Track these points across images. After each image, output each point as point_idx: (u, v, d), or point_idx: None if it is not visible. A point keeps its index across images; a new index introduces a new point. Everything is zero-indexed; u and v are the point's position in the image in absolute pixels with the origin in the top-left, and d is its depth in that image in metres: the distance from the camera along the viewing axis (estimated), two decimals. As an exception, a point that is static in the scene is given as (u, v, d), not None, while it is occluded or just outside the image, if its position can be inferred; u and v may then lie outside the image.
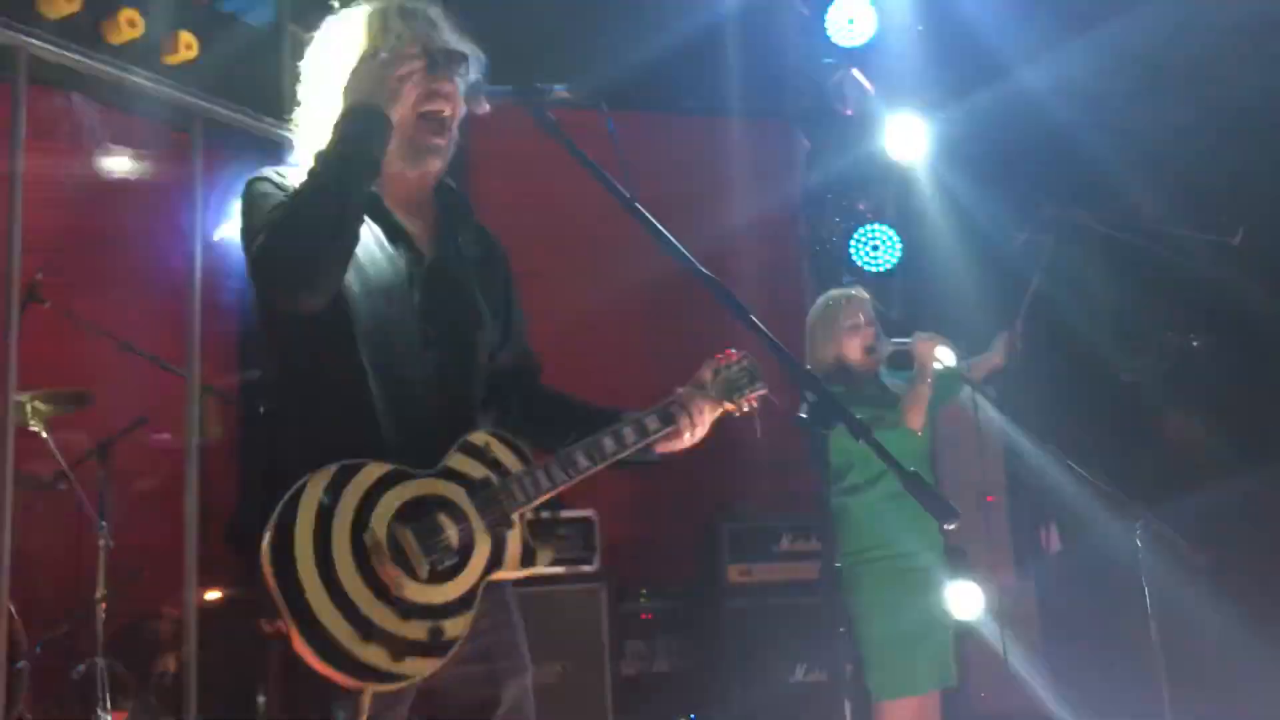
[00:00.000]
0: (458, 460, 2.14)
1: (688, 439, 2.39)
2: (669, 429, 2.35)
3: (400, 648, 1.95)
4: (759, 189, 7.31)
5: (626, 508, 6.29)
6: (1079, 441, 7.23)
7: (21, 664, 4.50)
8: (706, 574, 5.94)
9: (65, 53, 4.80)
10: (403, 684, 1.99)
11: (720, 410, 2.45)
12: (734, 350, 2.51)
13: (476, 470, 2.15)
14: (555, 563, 5.63)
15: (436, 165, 2.31)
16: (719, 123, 7.48)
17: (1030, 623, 6.80)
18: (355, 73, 2.19)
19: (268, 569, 1.90)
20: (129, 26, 5.04)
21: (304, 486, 1.97)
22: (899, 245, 6.46)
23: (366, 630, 1.92)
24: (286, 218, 2.06)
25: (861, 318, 4.32)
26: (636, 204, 2.23)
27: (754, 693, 5.58)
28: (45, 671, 4.84)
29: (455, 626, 2.04)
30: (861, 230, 6.42)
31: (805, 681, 5.56)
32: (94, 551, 4.96)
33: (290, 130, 2.37)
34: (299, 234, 2.03)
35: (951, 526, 2.03)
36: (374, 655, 1.92)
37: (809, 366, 4.26)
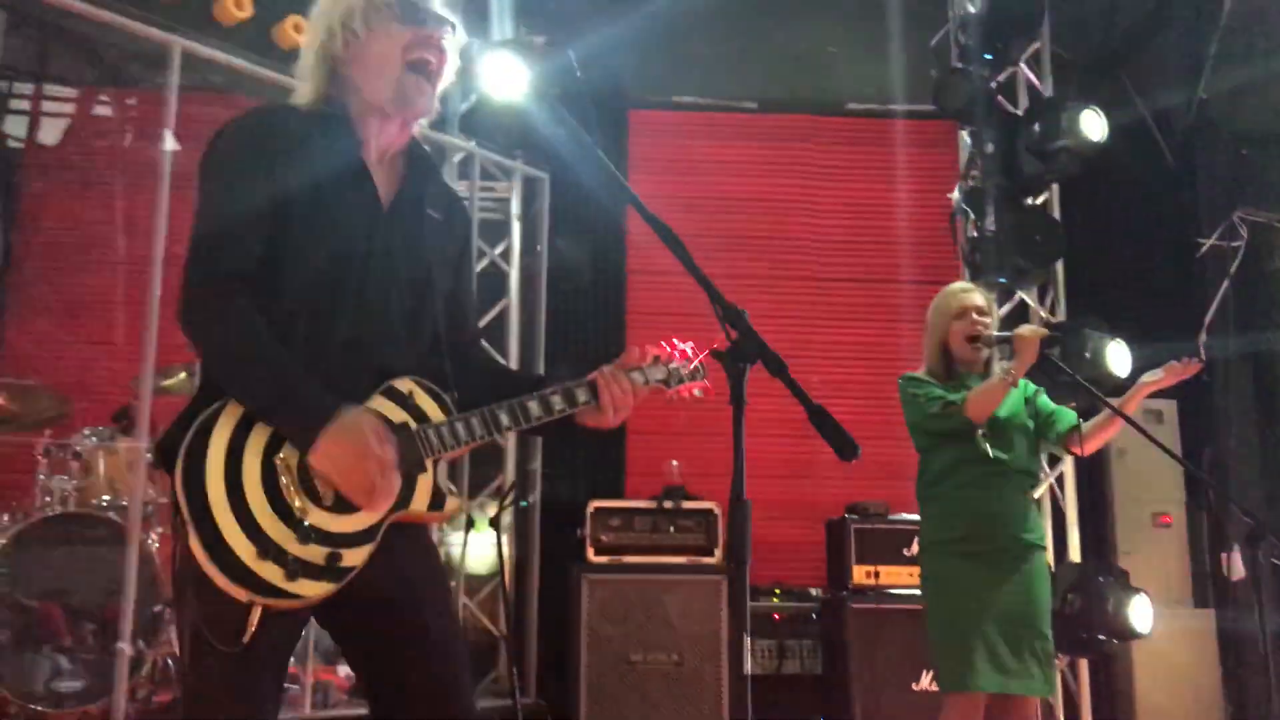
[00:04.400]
0: (379, 402, 2.17)
1: (611, 416, 2.36)
2: (594, 403, 2.34)
3: (295, 568, 1.99)
4: (922, 188, 7.18)
5: (757, 505, 6.26)
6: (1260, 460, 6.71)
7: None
8: (835, 575, 5.84)
9: (230, 57, 5.26)
10: (294, 602, 2.02)
11: (646, 392, 2.43)
12: (686, 350, 2.49)
13: (396, 414, 2.17)
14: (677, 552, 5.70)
15: (419, 111, 2.34)
16: (884, 124, 7.40)
17: (1207, 651, 6.32)
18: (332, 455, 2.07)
19: (178, 480, 1.98)
20: (294, 32, 5.50)
21: (224, 407, 2.05)
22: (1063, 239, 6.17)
23: (264, 547, 1.98)
24: (222, 338, 2.08)
25: (971, 308, 4.15)
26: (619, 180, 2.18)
27: (877, 698, 5.43)
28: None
29: (354, 556, 2.07)
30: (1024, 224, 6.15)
31: (930, 691, 5.35)
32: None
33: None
34: (219, 351, 2.09)
35: (850, 460, 1.97)
36: (269, 571, 1.97)
37: (925, 358, 4.17)
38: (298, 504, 2.03)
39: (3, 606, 4.64)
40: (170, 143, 4.79)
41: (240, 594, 1.96)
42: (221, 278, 2.08)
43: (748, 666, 2.08)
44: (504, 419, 2.26)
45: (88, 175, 7.06)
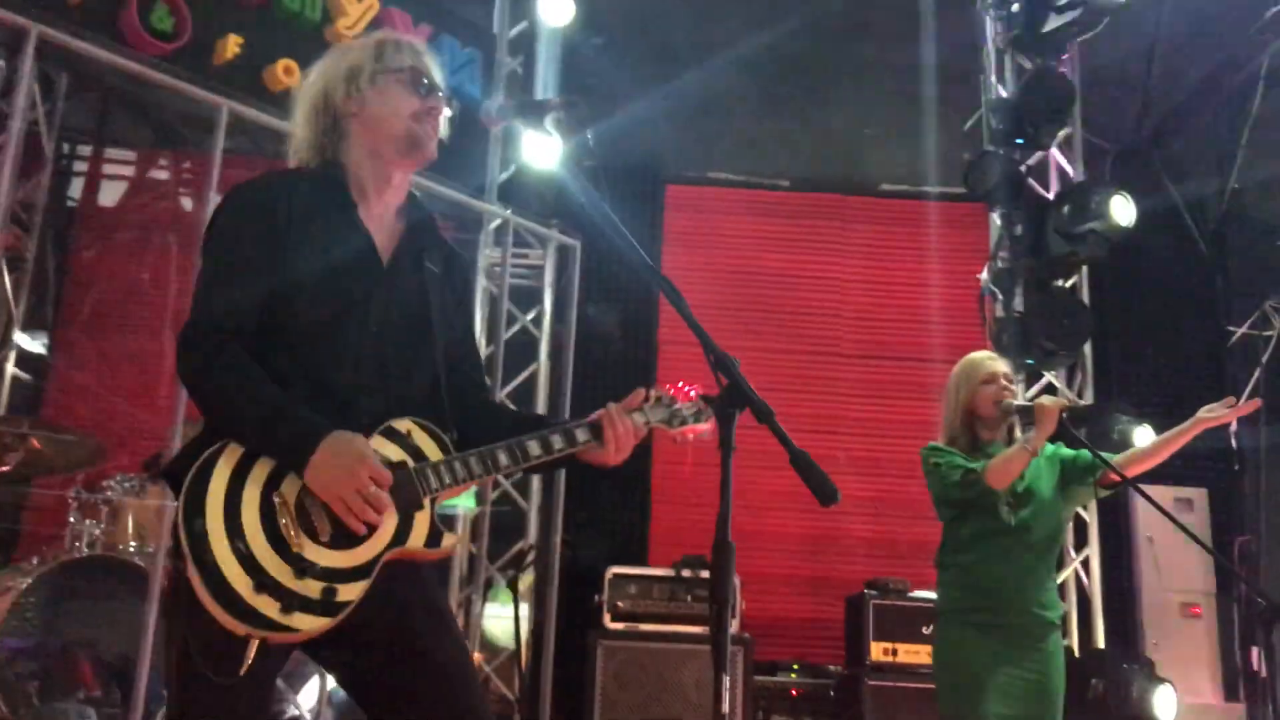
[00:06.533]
0: (377, 441, 2.20)
1: (613, 454, 2.39)
2: (595, 443, 2.37)
3: (291, 602, 2.03)
4: (951, 268, 7.24)
5: (777, 581, 6.26)
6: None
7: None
8: (853, 652, 5.79)
9: (276, 121, 5.44)
10: (290, 636, 2.06)
11: (646, 432, 2.46)
12: (691, 391, 2.53)
13: (395, 453, 2.22)
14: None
15: (428, 155, 2.40)
16: (915, 205, 7.49)
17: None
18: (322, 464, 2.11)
19: (180, 514, 2.03)
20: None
21: (226, 445, 2.10)
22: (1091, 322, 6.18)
23: (260, 581, 2.02)
24: (216, 380, 2.14)
25: (1000, 373, 4.15)
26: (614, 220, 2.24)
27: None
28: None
29: (350, 591, 2.10)
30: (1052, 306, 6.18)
31: (946, 772, 5.25)
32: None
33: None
34: (213, 394, 2.15)
35: (829, 505, 2.01)
36: (264, 604, 2.01)
37: (945, 427, 4.16)
38: (294, 538, 2.08)
39: (34, 654, 4.70)
40: (208, 204, 4.97)
41: (238, 628, 2.00)
42: (214, 330, 2.16)
43: (725, 705, 2.09)
44: (503, 458, 2.30)
45: (141, 236, 7.28)
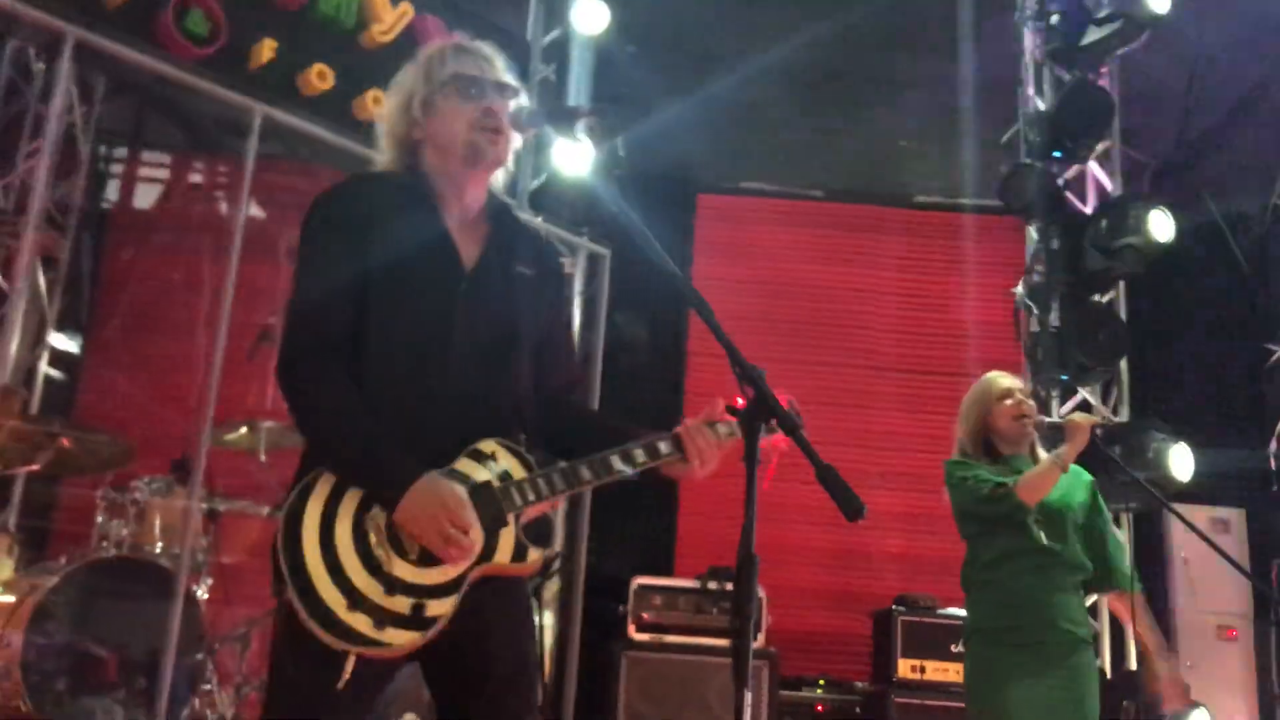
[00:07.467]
0: (463, 464, 2.26)
1: (698, 467, 2.38)
2: (678, 456, 2.36)
3: (383, 618, 2.12)
4: (987, 282, 7.16)
5: (804, 595, 6.20)
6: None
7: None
8: (880, 668, 5.73)
9: (309, 125, 5.47)
10: (384, 651, 2.13)
11: (730, 445, 2.43)
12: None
13: (480, 473, 2.26)
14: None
15: (491, 162, 2.40)
16: (951, 217, 7.43)
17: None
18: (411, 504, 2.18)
19: (279, 538, 2.14)
20: (374, 104, 5.71)
21: (322, 472, 2.20)
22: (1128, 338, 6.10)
23: (354, 599, 2.12)
24: (319, 405, 2.23)
25: (1015, 389, 4.11)
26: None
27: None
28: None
29: (438, 606, 2.17)
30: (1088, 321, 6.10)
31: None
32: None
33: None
34: (315, 420, 2.24)
35: (854, 520, 1.97)
36: (359, 621, 2.11)
37: (960, 447, 4.11)
38: (381, 555, 2.16)
39: (62, 652, 4.72)
40: (249, 207, 5.00)
41: (335, 643, 2.10)
42: (318, 347, 2.24)
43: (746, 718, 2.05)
44: (585, 474, 2.32)
45: (175, 239, 7.32)
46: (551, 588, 6.27)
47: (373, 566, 2.15)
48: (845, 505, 2.04)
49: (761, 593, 5.70)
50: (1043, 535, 3.85)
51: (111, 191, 7.61)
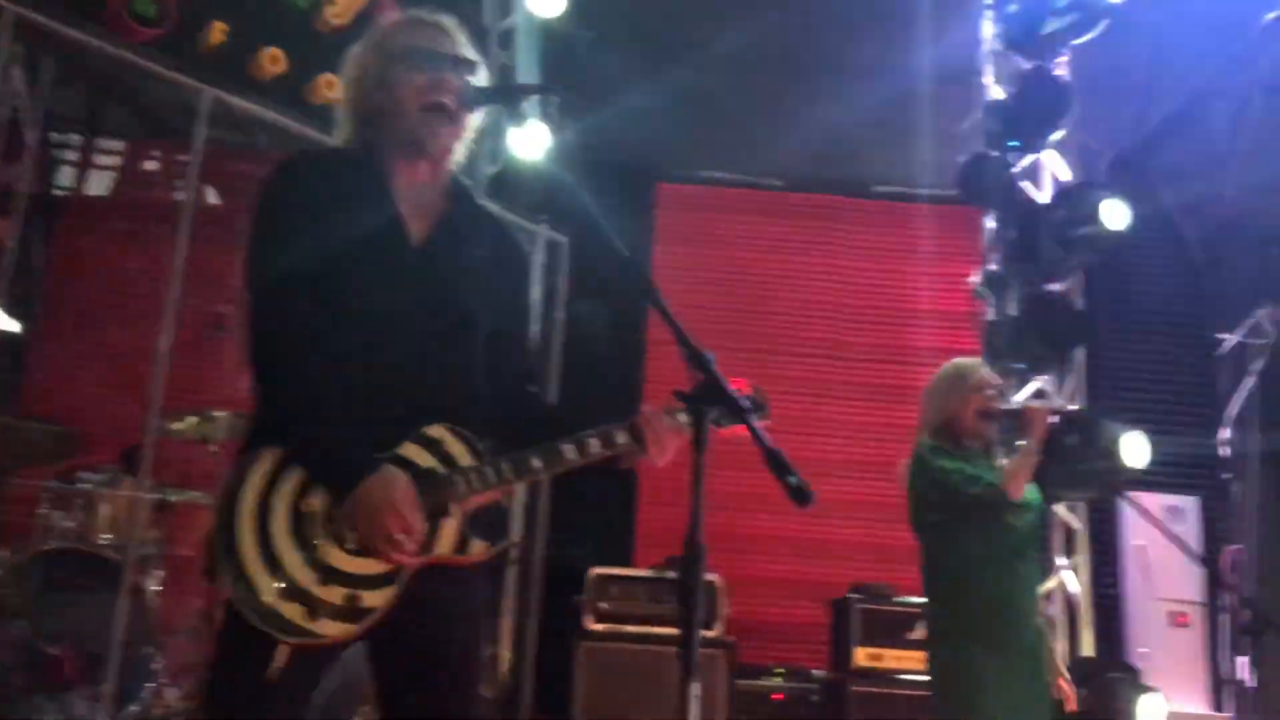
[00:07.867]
0: (409, 449, 2.20)
1: (658, 455, 2.33)
2: (634, 444, 2.31)
3: (317, 608, 2.07)
4: (945, 270, 7.18)
5: (762, 585, 6.19)
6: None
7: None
8: (838, 656, 5.73)
9: (262, 109, 5.39)
10: (317, 641, 2.09)
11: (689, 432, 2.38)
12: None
13: (425, 460, 2.21)
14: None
15: (434, 151, 2.35)
16: (909, 206, 7.44)
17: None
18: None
19: (214, 520, 2.09)
20: (327, 89, 5.63)
21: (260, 453, 2.13)
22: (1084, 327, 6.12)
23: (287, 586, 2.07)
24: (287, 393, 2.18)
25: (992, 382, 4.10)
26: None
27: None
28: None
29: (374, 598, 2.12)
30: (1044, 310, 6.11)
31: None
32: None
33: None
34: (278, 401, 2.20)
35: (804, 506, 1.95)
36: (291, 611, 2.06)
37: (926, 429, 4.09)
38: (318, 543, 2.11)
39: (12, 644, 4.65)
40: (207, 194, 4.91)
41: (267, 631, 2.05)
42: (283, 325, 2.18)
43: (693, 715, 2.03)
44: (536, 463, 2.26)
45: (130, 227, 7.20)
46: (509, 578, 6.23)
47: (309, 554, 2.10)
48: (792, 490, 2.02)
49: (719, 582, 5.68)
50: (1017, 523, 3.86)
51: (65, 178, 7.48)
